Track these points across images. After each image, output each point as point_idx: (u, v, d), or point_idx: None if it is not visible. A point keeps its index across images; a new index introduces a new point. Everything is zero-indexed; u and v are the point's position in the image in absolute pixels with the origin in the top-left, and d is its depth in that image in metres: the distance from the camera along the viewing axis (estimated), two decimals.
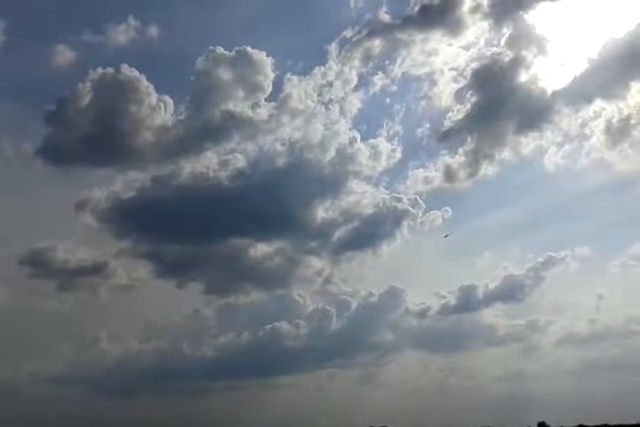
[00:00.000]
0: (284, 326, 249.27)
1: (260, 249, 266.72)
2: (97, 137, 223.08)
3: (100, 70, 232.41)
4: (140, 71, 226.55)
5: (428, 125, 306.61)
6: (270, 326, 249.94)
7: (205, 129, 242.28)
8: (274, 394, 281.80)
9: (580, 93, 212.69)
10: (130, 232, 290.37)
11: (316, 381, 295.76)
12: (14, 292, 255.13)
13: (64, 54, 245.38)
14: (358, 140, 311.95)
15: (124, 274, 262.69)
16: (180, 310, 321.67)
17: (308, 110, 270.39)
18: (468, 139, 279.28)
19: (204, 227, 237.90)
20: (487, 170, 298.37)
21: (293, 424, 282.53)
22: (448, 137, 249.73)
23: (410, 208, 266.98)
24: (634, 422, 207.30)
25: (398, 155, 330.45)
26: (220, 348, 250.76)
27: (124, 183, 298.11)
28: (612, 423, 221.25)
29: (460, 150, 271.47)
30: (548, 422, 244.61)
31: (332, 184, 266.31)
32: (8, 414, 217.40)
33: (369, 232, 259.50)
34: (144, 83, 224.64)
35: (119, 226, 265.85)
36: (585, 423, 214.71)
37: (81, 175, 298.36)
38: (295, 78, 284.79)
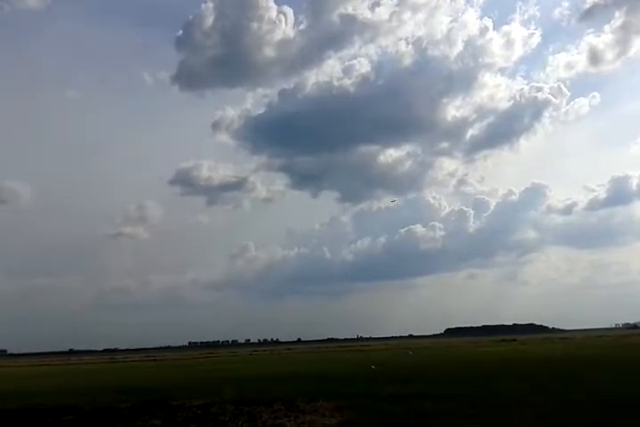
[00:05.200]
0: (419, 228, 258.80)
1: (390, 154, 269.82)
2: (225, 58, 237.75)
3: None
4: None
5: (567, 4, 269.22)
6: (406, 229, 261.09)
7: (326, 37, 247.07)
8: (413, 294, 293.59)
9: None
10: (264, 147, 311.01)
11: (455, 280, 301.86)
12: (170, 210, 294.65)
13: None
14: (490, 28, 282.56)
15: (263, 187, 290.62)
16: (318, 218, 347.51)
17: (431, 3, 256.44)
18: (616, 13, 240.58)
19: (333, 136, 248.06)
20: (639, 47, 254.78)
21: (433, 322, 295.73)
22: (592, 14, 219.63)
23: (552, 97, 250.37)
24: None
25: (536, 40, 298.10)
26: (358, 252, 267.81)
27: (254, 100, 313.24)
28: None
29: (607, 28, 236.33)
30: None
31: (462, 80, 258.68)
32: (174, 319, 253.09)
33: (505, 127, 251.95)
34: None
35: (253, 142, 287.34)
36: None
37: (214, 96, 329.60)
38: None
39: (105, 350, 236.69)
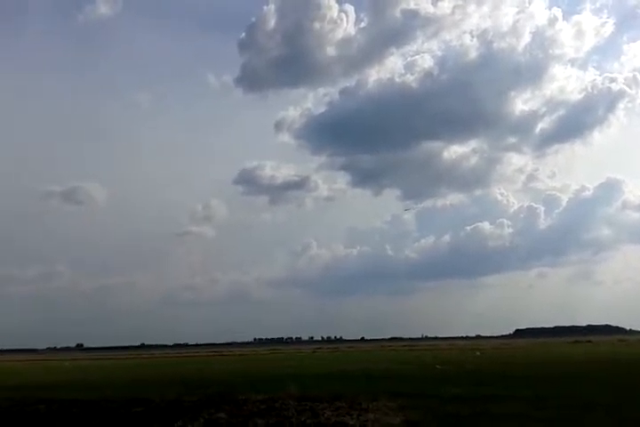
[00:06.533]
0: (486, 226, 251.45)
1: (455, 151, 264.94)
2: (287, 59, 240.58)
3: None
4: None
5: None
6: (472, 226, 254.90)
7: (388, 33, 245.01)
8: (480, 293, 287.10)
9: None
10: (325, 147, 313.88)
11: (525, 280, 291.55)
12: (234, 209, 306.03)
13: None
14: (559, 18, 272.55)
15: (324, 186, 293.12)
16: (380, 216, 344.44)
17: None
18: None
19: (395, 133, 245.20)
20: None
21: (502, 323, 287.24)
22: None
23: (626, 88, 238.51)
24: None
25: (609, 29, 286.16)
26: (422, 250, 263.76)
27: (316, 99, 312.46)
28: None
29: None
30: None
31: (530, 72, 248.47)
32: (240, 315, 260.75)
33: (577, 120, 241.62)
34: None
35: (315, 141, 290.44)
36: None
37: (277, 97, 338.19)
38: None
39: (175, 345, 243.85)
